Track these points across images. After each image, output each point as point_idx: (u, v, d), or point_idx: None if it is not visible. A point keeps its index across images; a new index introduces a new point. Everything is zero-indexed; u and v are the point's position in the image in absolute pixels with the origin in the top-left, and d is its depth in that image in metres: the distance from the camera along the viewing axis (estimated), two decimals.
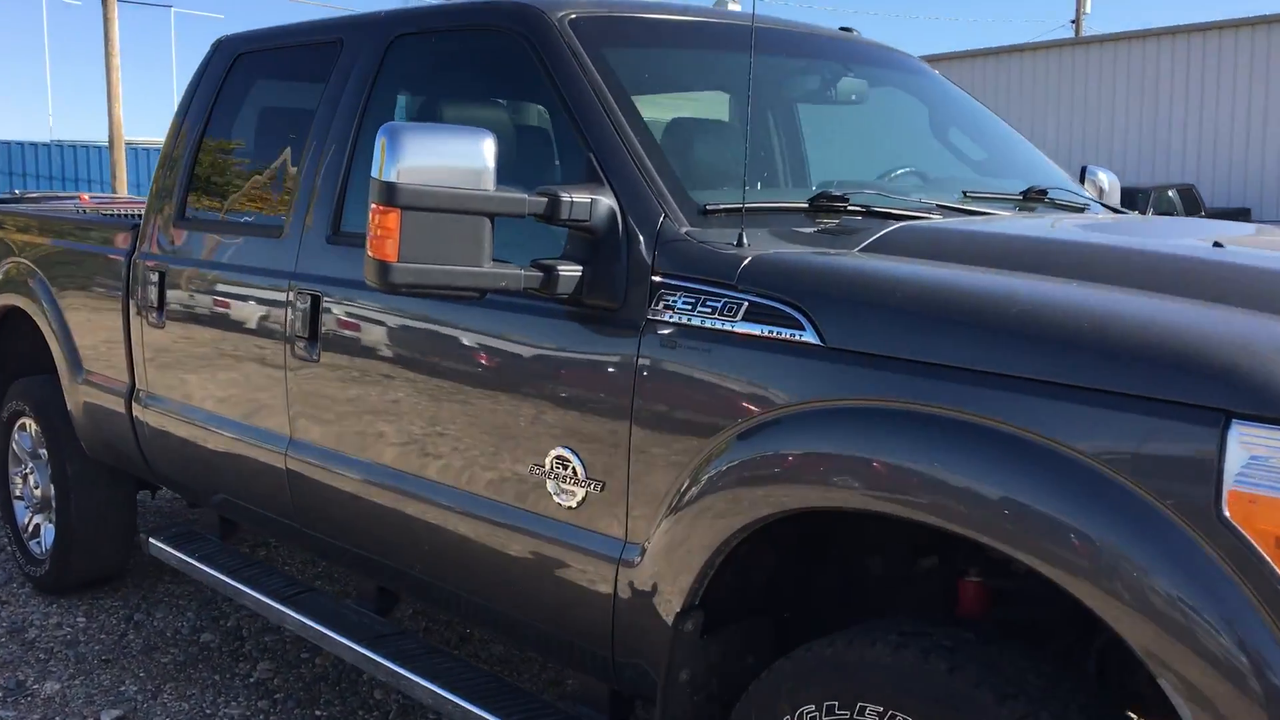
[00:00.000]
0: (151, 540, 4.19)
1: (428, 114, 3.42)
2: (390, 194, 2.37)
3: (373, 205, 2.41)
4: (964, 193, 3.00)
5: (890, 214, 2.72)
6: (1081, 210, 3.31)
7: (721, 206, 2.59)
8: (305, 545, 3.63)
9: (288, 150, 3.69)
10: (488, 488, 2.79)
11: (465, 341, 2.86)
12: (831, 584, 2.61)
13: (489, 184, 2.43)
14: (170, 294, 3.95)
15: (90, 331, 4.48)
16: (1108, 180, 3.99)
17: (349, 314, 3.20)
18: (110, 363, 4.37)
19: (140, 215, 4.43)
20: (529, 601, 2.76)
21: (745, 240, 2.43)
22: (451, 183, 2.41)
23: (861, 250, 2.43)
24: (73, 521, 4.79)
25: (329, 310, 3.25)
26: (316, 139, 3.47)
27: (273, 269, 3.49)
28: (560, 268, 2.52)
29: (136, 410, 4.20)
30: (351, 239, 3.29)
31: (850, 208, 2.70)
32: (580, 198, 2.52)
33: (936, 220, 2.70)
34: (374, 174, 2.42)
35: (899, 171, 3.42)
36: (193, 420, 3.87)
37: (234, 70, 4.03)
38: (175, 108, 4.25)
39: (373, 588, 3.47)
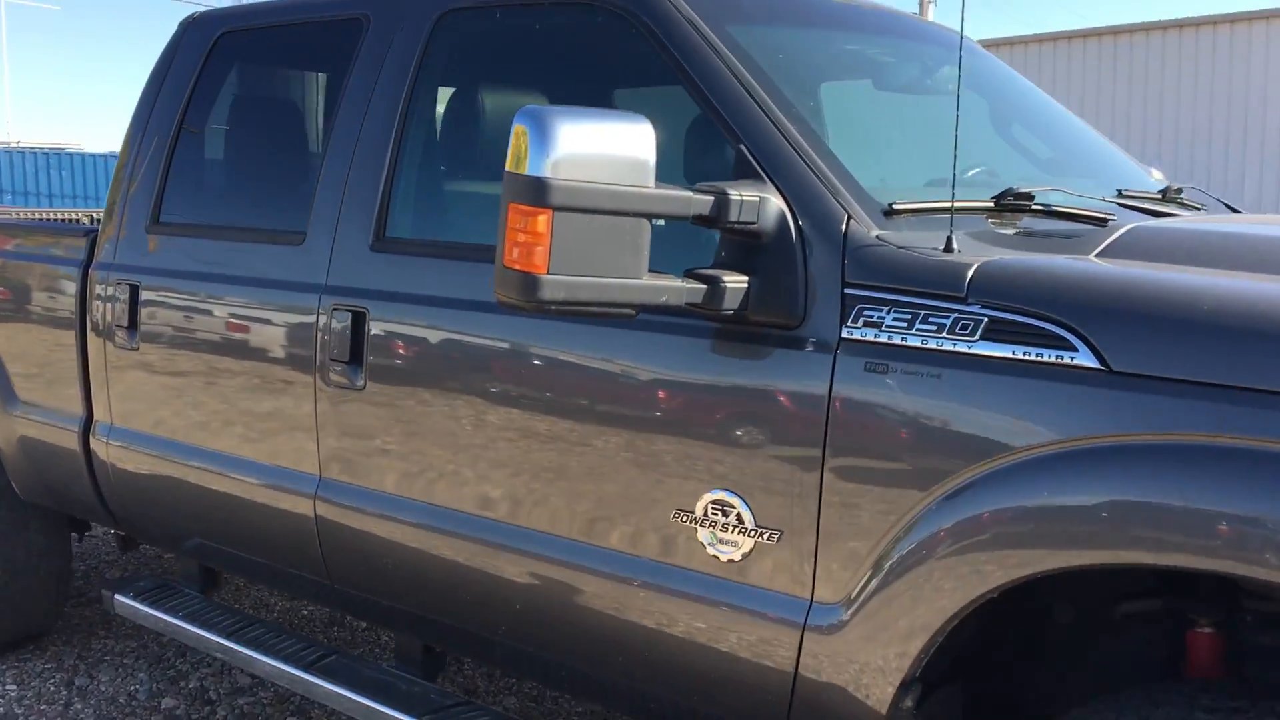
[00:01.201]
0: (118, 597, 3.60)
1: (491, 105, 2.98)
2: (541, 192, 1.95)
3: (511, 205, 1.99)
4: (1119, 191, 2.72)
5: (1074, 214, 2.41)
6: (1203, 209, 3.08)
7: (911, 206, 2.24)
8: (333, 601, 3.12)
9: (298, 145, 3.20)
10: (611, 538, 2.38)
11: (579, 366, 2.44)
12: (1016, 638, 2.29)
13: (650, 180, 2.04)
14: (146, 311, 3.38)
15: (26, 354, 3.85)
16: (1163, 178, 3.79)
17: (407, 333, 2.74)
18: (56, 391, 3.76)
19: (94, 221, 3.83)
20: (665, 672, 2.35)
21: (955, 244, 2.08)
22: (607, 178, 2.01)
23: (1100, 255, 2.12)
24: None
25: (378, 329, 2.78)
26: (343, 133, 2.98)
27: (294, 281, 2.99)
28: (726, 279, 2.13)
29: (96, 446, 3.61)
30: (401, 246, 2.83)
31: (1034, 207, 2.39)
32: (749, 196, 2.14)
33: (1171, 222, 2.40)
34: (511, 168, 2.00)
35: (972, 171, 3.13)
36: (178, 459, 3.32)
37: (216, 52, 3.48)
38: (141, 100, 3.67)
39: (417, 647, 3.00)
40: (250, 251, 3.15)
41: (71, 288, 3.66)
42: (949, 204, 2.15)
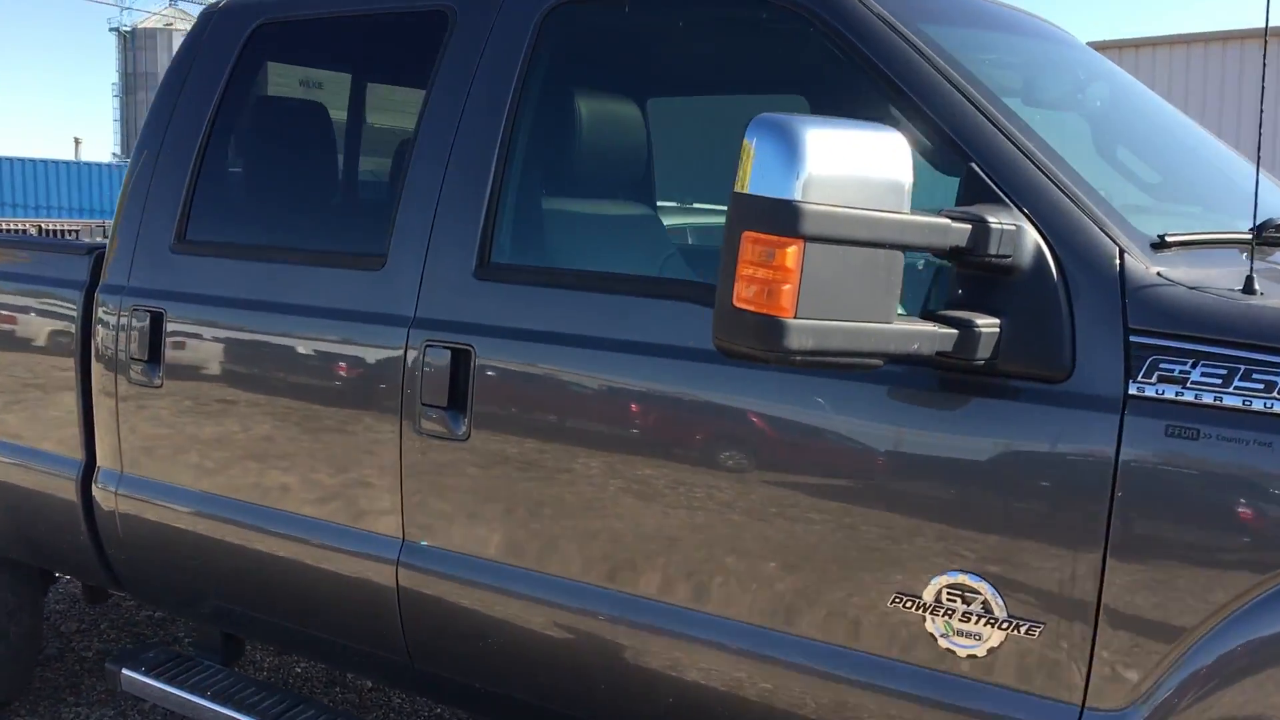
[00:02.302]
0: (126, 673, 3.11)
1: (621, 112, 2.60)
2: (791, 218, 1.61)
3: (746, 235, 1.63)
4: None
5: None
6: None
7: (1184, 238, 1.93)
8: (410, 683, 2.69)
9: (364, 155, 2.77)
10: (810, 625, 2.01)
11: (766, 422, 2.07)
12: None
13: (906, 204, 1.70)
14: (173, 343, 2.92)
15: (11, 387, 3.34)
16: None
17: (525, 375, 2.34)
18: (45, 431, 3.26)
19: (94, 238, 3.33)
20: None
21: (1258, 286, 1.78)
22: (860, 201, 1.66)
23: None
24: None
25: (486, 370, 2.38)
26: (431, 143, 2.57)
27: (372, 312, 2.57)
28: (979, 323, 1.79)
29: (100, 497, 3.12)
30: (509, 275, 2.44)
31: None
32: (1006, 225, 1.82)
33: None
34: (743, 189, 1.64)
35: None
36: (211, 515, 2.86)
37: (251, 47, 3.04)
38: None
39: None
40: (310, 276, 2.71)
41: (69, 313, 3.17)
42: (1225, 235, 1.85)
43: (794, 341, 1.63)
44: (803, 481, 2.01)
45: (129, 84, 52.44)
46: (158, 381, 2.93)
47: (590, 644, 2.27)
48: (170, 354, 2.91)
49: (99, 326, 3.08)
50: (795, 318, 1.63)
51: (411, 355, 2.48)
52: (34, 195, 28.37)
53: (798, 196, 1.61)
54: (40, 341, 3.25)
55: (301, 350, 2.69)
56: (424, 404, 2.45)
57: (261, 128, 3.13)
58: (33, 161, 28.91)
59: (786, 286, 1.63)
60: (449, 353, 2.42)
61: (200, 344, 2.87)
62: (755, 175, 1.64)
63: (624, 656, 2.22)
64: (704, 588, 2.12)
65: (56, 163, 30.11)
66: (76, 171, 30.27)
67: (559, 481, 2.28)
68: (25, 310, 3.29)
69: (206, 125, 3.01)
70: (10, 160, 28.53)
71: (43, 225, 5.19)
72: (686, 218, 3.69)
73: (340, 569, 2.62)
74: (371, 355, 2.56)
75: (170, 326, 2.92)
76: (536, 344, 2.32)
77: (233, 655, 3.18)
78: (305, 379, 2.67)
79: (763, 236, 1.63)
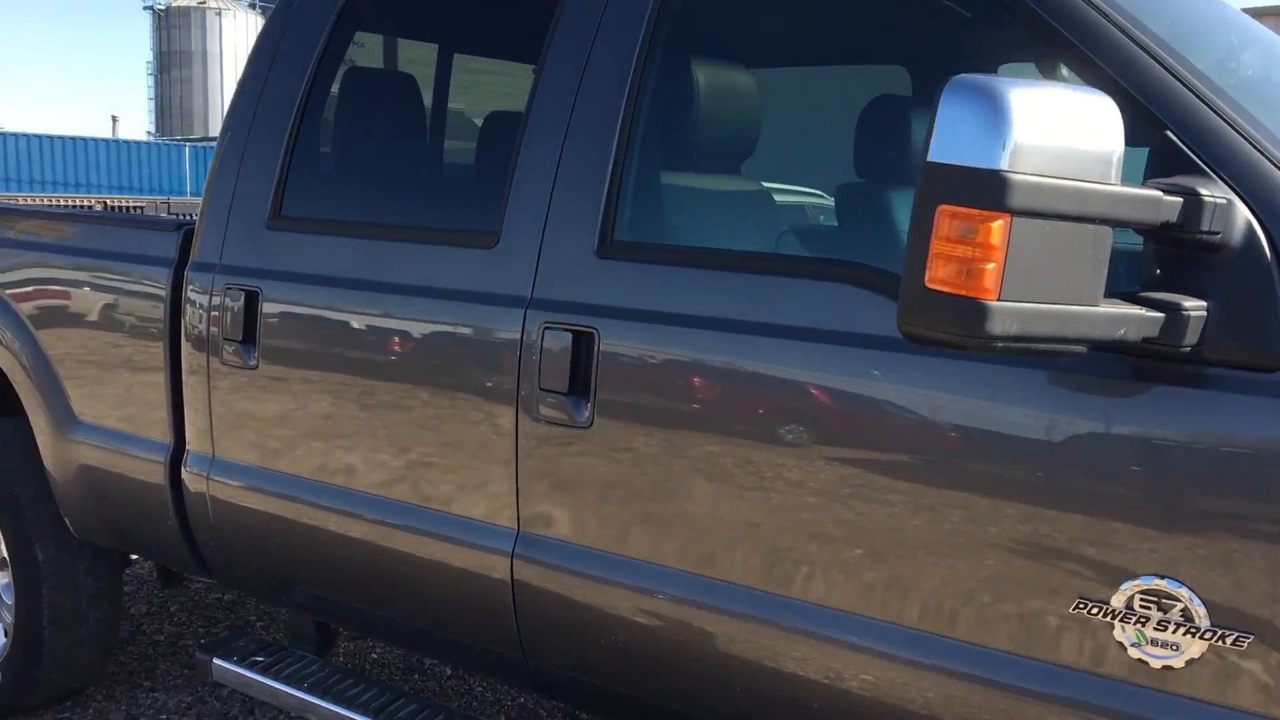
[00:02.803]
0: (218, 662, 3.02)
1: (760, 80, 2.46)
2: (998, 190, 1.46)
3: (942, 209, 1.48)
4: None
5: None
6: None
7: None
8: (523, 679, 2.57)
9: (471, 123, 2.64)
10: (975, 629, 1.88)
11: (929, 412, 1.92)
12: None
13: (1116, 175, 1.55)
14: (269, 323, 2.80)
15: (90, 368, 3.24)
16: None
17: (654, 359, 2.21)
18: (131, 414, 3.15)
19: (181, 214, 3.22)
20: None
21: None
22: (1068, 173, 1.51)
23: None
24: (43, 623, 3.51)
25: (612, 354, 2.24)
26: (547, 110, 2.44)
27: (484, 292, 2.44)
28: (1187, 306, 1.64)
29: (190, 481, 3.01)
30: (635, 253, 2.30)
31: None
32: (1218, 198, 1.66)
33: None
34: (940, 157, 1.50)
35: None
36: (311, 502, 2.75)
37: (351, 9, 2.90)
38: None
39: None
40: (416, 254, 2.58)
41: (158, 293, 3.06)
42: None
43: (997, 326, 1.49)
44: (979, 477, 1.87)
45: (163, 62, 52.50)
46: (253, 363, 2.82)
47: (727, 646, 2.14)
48: (266, 335, 2.80)
49: (188, 306, 2.97)
50: (999, 300, 1.49)
51: (529, 338, 2.35)
52: (75, 173, 28.59)
53: (1005, 166, 1.47)
54: (126, 321, 3.14)
55: (407, 331, 2.56)
56: (542, 389, 2.32)
57: (358, 99, 2.99)
58: (73, 139, 29.13)
59: (990, 265, 1.48)
60: (570, 335, 2.28)
61: (298, 324, 2.75)
62: (953, 142, 1.50)
63: (766, 661, 2.09)
64: (859, 589, 1.98)
65: (95, 140, 30.31)
66: (115, 149, 30.46)
67: (691, 473, 2.14)
68: (110, 289, 3.18)
69: (301, 97, 2.88)
70: (51, 138, 28.74)
71: (107, 201, 5.11)
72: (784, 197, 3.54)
73: (449, 560, 2.51)
74: (484, 337, 2.43)
75: (266, 306, 2.80)
76: (667, 326, 2.19)
77: (325, 645, 3.08)
78: (411, 362, 2.55)
79: (962, 210, 1.49)
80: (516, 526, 2.40)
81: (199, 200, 5.22)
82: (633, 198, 2.34)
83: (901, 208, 2.98)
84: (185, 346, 2.98)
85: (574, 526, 2.32)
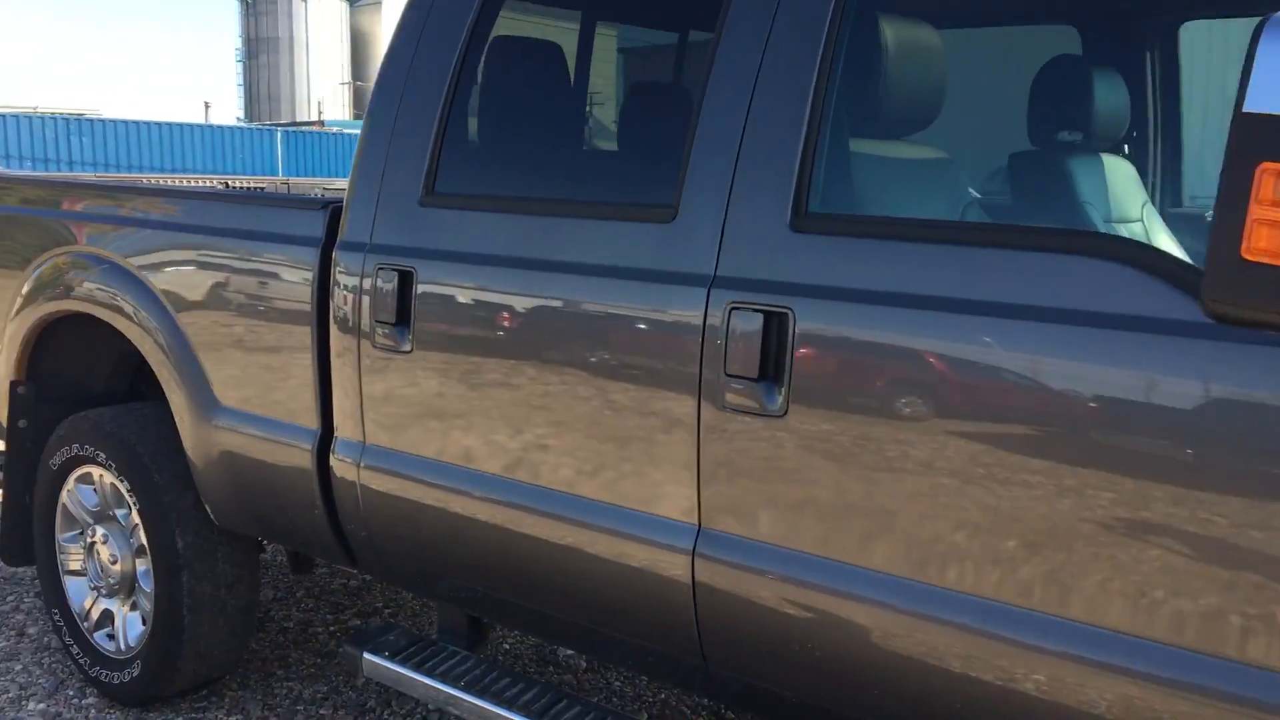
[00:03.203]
0: (368, 657, 2.91)
1: (928, 42, 2.27)
2: None
3: (1268, 167, 1.29)
4: None
5: None
6: None
7: None
8: (701, 685, 2.42)
9: (643, 91, 2.47)
10: (1209, 637, 1.68)
11: (1174, 403, 1.72)
12: None
13: None
14: (424, 305, 2.68)
15: (233, 351, 3.15)
16: None
17: (867, 344, 2.03)
18: (277, 399, 3.06)
19: (323, 192, 3.12)
20: None
21: None
22: None
23: None
24: (184, 610, 3.46)
25: (810, 336, 2.07)
26: (727, 77, 2.27)
27: (661, 270, 2.28)
28: None
29: (339, 469, 2.91)
30: (834, 226, 2.12)
31: None
32: None
33: None
34: (1259, 106, 1.30)
35: None
36: (472, 492, 2.63)
37: None
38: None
39: None
40: (583, 230, 2.44)
41: (304, 274, 2.96)
42: None
43: None
44: (1244, 476, 1.66)
45: (250, 48, 53.30)
46: (406, 346, 2.70)
47: (934, 656, 1.96)
48: (421, 317, 2.68)
49: (337, 287, 2.86)
50: None
51: (712, 319, 2.19)
52: (170, 158, 29.18)
53: None
54: (270, 303, 3.04)
55: (574, 313, 2.42)
56: (728, 375, 2.16)
57: (511, 69, 2.85)
58: (168, 125, 29.72)
59: None
60: (761, 316, 2.12)
61: (456, 306, 2.62)
62: (1276, 89, 1.30)
63: (983, 674, 1.91)
64: (1082, 595, 1.79)
65: (190, 126, 30.89)
66: (208, 134, 30.98)
67: (901, 468, 1.97)
68: (252, 270, 3.09)
69: (453, 68, 2.74)
70: (148, 124, 29.34)
71: (229, 181, 5.07)
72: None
73: (621, 557, 2.36)
74: (661, 319, 2.27)
75: (421, 287, 2.68)
76: (873, 306, 2.01)
77: (477, 639, 2.96)
78: (579, 345, 2.40)
79: None
80: (698, 523, 2.25)
81: (312, 181, 5.15)
82: (828, 167, 2.16)
83: (1083, 175, 2.76)
84: (333, 329, 2.88)
85: (761, 523, 2.16)
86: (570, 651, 4.10)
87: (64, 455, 3.74)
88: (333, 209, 2.95)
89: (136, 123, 29.38)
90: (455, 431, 2.63)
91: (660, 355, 2.28)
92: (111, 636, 3.78)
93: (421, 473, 2.72)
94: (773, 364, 2.11)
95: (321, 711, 3.71)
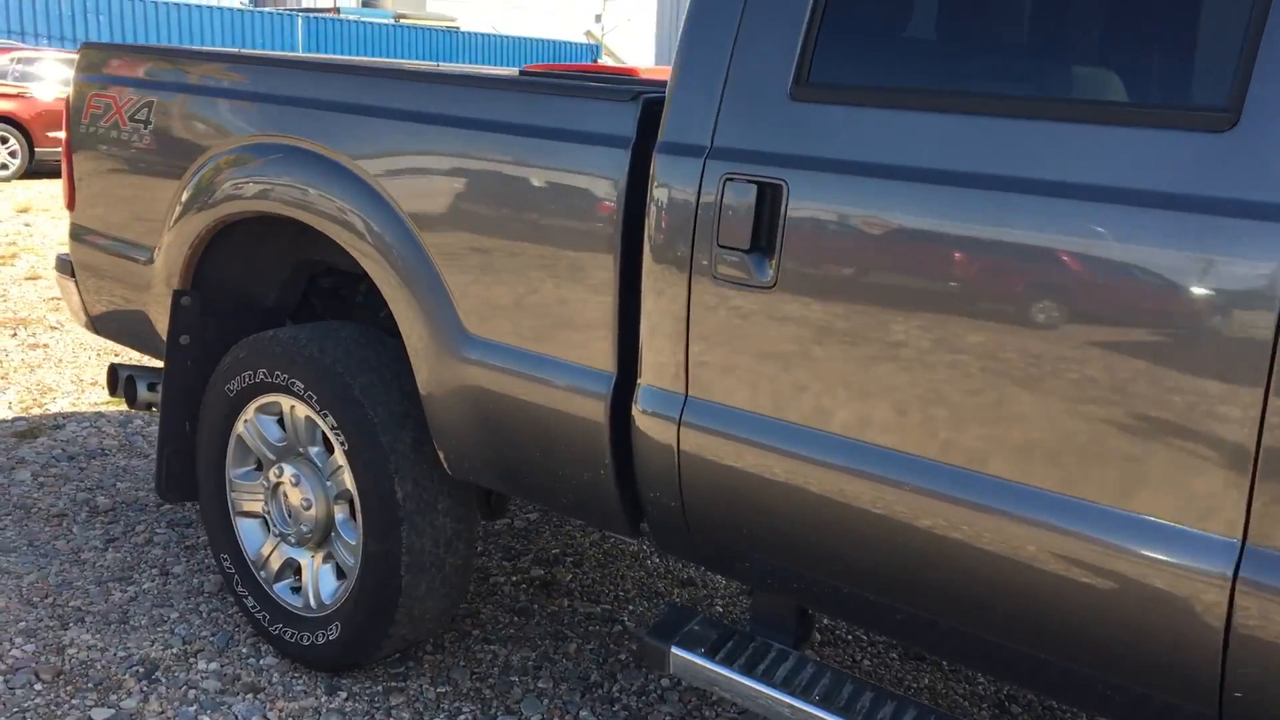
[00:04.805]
0: (677, 652, 2.41)
1: None
2: None
3: None
4: None
5: None
6: None
7: None
8: None
9: None
10: None
11: None
12: None
13: None
14: (798, 229, 2.11)
15: (496, 274, 2.59)
16: None
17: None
18: (554, 332, 2.51)
19: (621, 78, 2.55)
20: None
21: None
22: None
23: None
24: (400, 570, 2.95)
25: None
26: None
27: (1204, 196, 1.71)
28: None
29: (646, 424, 2.37)
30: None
31: None
32: None
33: None
34: None
35: None
36: (847, 466, 2.09)
37: None
38: None
39: None
40: (1068, 139, 1.85)
41: (605, 182, 2.38)
42: None
43: None
44: None
45: None
46: (767, 279, 2.14)
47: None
48: (792, 243, 2.11)
49: (655, 201, 2.29)
50: None
51: None
52: (189, 41, 28.25)
53: None
54: (549, 215, 2.48)
55: (1049, 249, 1.84)
56: None
57: None
58: (188, 6, 28.78)
59: None
60: None
61: (845, 231, 2.05)
62: None
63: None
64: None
65: (210, 8, 29.89)
66: (228, 17, 30.00)
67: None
68: (523, 176, 2.51)
69: None
70: (168, 5, 28.40)
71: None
72: None
73: (1119, 572, 1.83)
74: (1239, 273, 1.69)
75: (794, 205, 2.10)
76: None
77: (804, 636, 2.45)
78: (1054, 296, 1.84)
79: None
80: (1242, 538, 1.71)
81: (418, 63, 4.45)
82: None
83: None
84: (647, 252, 2.31)
85: None
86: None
87: (244, 380, 3.20)
88: (645, 100, 2.36)
89: (156, 3, 28.39)
90: (828, 392, 2.09)
91: (1187, 310, 1.72)
92: (296, 590, 3.29)
93: (775, 439, 2.17)
94: None
95: (540, 684, 3.23)
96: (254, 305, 3.51)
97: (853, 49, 2.11)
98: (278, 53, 4.49)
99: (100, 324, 3.80)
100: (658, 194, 2.29)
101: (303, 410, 3.10)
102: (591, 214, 2.40)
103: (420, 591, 3.01)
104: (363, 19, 33.42)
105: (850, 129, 2.07)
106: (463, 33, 35.32)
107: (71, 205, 3.73)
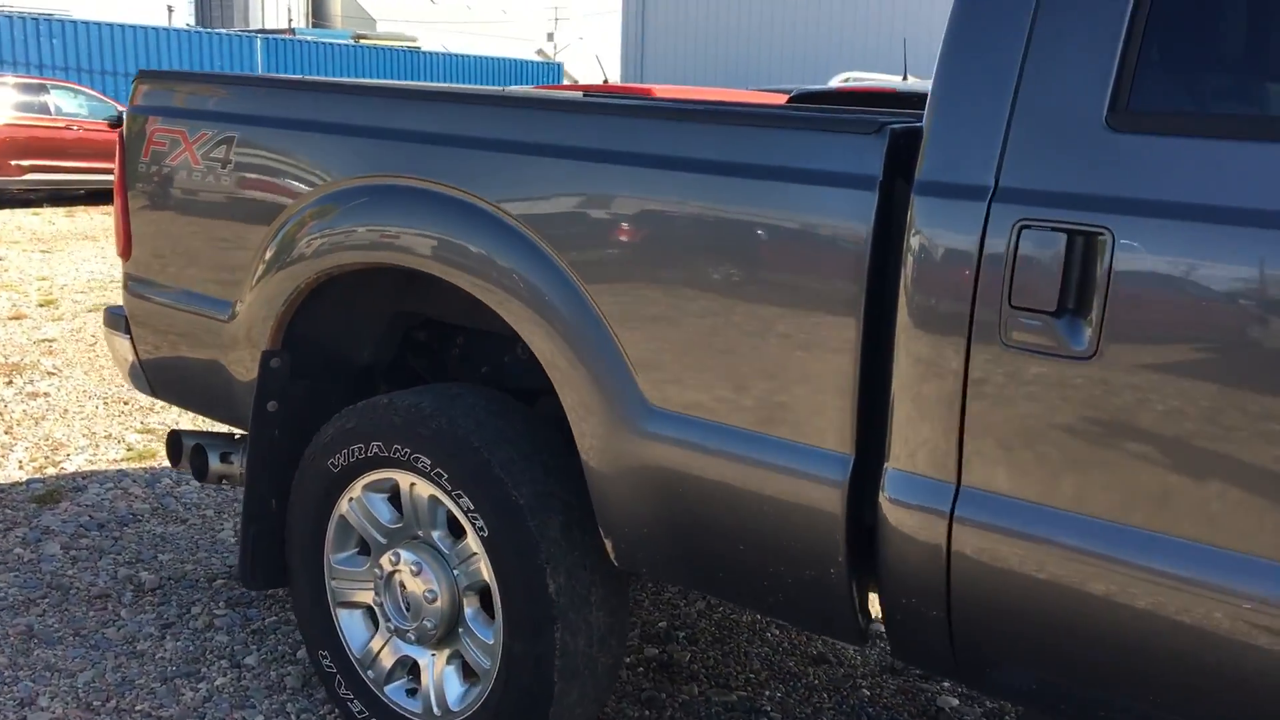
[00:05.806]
0: None
1: None
2: None
3: None
4: None
5: None
6: None
7: None
8: None
9: None
10: None
11: None
12: None
13: None
14: (1126, 287, 1.74)
15: (690, 335, 2.20)
16: None
17: None
18: (772, 405, 2.12)
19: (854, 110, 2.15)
20: None
21: None
22: None
23: None
24: (553, 672, 2.55)
25: None
26: None
27: None
28: None
29: (898, 517, 1.99)
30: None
31: None
32: None
33: None
34: None
35: None
36: (1184, 575, 1.71)
37: None
38: None
39: None
40: None
41: (843, 228, 2.00)
42: None
43: None
44: None
45: None
46: (1083, 348, 1.77)
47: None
48: (1119, 303, 1.74)
49: (916, 251, 1.91)
50: None
51: None
52: (147, 64, 27.61)
53: None
54: (764, 268, 2.09)
55: None
56: None
57: None
58: (145, 28, 28.24)
59: None
60: None
61: (1197, 291, 1.68)
62: None
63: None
64: None
65: (168, 30, 29.38)
66: (186, 39, 29.46)
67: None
68: (730, 219, 2.13)
69: None
70: (123, 27, 27.83)
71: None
72: None
73: None
74: None
75: (1121, 258, 1.73)
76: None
77: None
78: None
79: None
80: None
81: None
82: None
83: None
84: (904, 313, 1.93)
85: None
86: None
87: (353, 455, 2.78)
88: (894, 132, 1.98)
89: (111, 25, 27.79)
90: (1167, 485, 1.71)
91: None
92: (412, 693, 2.86)
93: (1091, 542, 1.80)
94: None
95: None
96: (346, 364, 3.09)
97: (1184, 71, 1.74)
98: (390, 81, 4.08)
99: (161, 387, 3.36)
100: (917, 243, 1.91)
101: (426, 489, 2.68)
102: (825, 267, 2.01)
103: (572, 699, 2.60)
104: (321, 39, 32.83)
105: (1182, 166, 1.70)
106: (423, 53, 34.80)
107: (126, 253, 3.29)
